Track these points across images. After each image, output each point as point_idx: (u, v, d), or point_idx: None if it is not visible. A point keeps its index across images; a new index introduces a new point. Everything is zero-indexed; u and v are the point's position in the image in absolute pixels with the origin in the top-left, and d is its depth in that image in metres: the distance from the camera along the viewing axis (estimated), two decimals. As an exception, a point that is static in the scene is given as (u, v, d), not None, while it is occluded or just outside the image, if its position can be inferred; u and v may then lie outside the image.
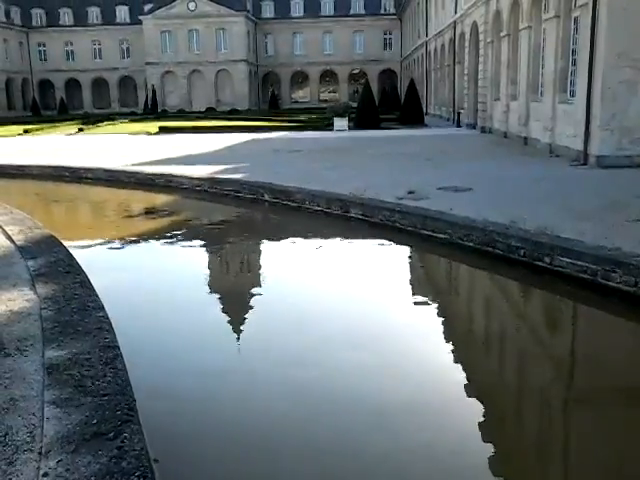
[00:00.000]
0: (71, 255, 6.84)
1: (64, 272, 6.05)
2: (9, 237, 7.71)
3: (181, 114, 55.82)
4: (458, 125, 31.21)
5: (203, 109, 61.92)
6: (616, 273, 6.37)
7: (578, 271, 6.73)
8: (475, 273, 8.15)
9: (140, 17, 66.08)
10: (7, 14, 69.91)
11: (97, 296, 5.40)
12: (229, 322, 6.37)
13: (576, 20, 16.08)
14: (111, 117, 50.47)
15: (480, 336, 6.17)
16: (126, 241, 9.90)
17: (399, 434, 4.10)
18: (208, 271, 8.53)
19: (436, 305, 6.79)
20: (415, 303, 6.87)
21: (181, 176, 14.59)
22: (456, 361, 5.28)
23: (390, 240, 9.35)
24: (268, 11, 71.02)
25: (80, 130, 36.76)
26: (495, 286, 7.70)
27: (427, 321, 6.31)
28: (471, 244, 8.14)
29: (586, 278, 6.64)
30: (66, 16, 72.04)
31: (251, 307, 6.77)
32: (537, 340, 5.96)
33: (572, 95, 16.38)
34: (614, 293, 6.30)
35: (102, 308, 5.03)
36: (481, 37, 26.17)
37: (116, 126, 41.04)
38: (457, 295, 7.66)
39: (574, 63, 16.27)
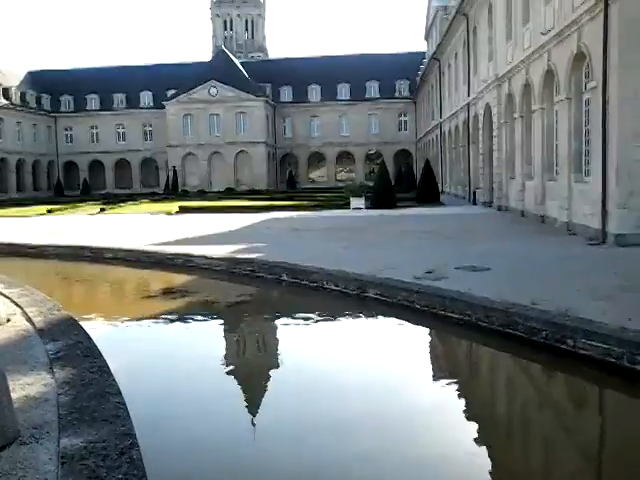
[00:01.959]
0: (90, 338, 6.84)
1: (82, 355, 6.04)
2: (29, 319, 7.76)
3: (201, 194, 57.04)
4: (474, 204, 31.48)
5: (223, 189, 63.26)
6: (642, 356, 6.21)
7: (602, 354, 6.58)
8: (496, 356, 7.99)
9: (163, 102, 68.75)
10: (38, 101, 73.24)
11: (114, 381, 5.35)
12: (247, 406, 6.26)
13: (587, 102, 16.44)
14: (132, 197, 51.67)
15: (502, 422, 5.98)
16: (144, 322, 9.91)
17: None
18: (226, 352, 8.46)
19: (456, 388, 6.63)
20: (434, 386, 6.73)
21: (200, 256, 14.73)
22: (479, 446, 5.11)
23: (408, 321, 9.26)
24: (286, 96, 73.64)
25: (102, 210, 37.57)
26: (517, 370, 7.53)
27: (447, 405, 6.14)
28: (491, 325, 8.02)
29: (611, 361, 6.47)
30: (93, 102, 75.28)
31: (269, 388, 6.68)
32: (562, 427, 5.76)
33: (587, 174, 16.53)
34: (641, 377, 6.12)
35: (119, 393, 4.98)
36: (494, 118, 26.79)
37: (137, 206, 41.94)
38: (477, 379, 7.48)
39: (588, 143, 16.52)
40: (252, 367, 7.68)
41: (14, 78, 71.39)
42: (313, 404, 6.19)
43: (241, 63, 73.80)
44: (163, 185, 68.51)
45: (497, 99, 26.02)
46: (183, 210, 33.78)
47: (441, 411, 6.03)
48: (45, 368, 5.73)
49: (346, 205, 32.78)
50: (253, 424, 5.75)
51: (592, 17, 14.96)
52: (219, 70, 67.77)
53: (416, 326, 9.19)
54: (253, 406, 6.25)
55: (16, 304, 8.79)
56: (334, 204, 34.99)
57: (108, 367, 5.78)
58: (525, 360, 7.55)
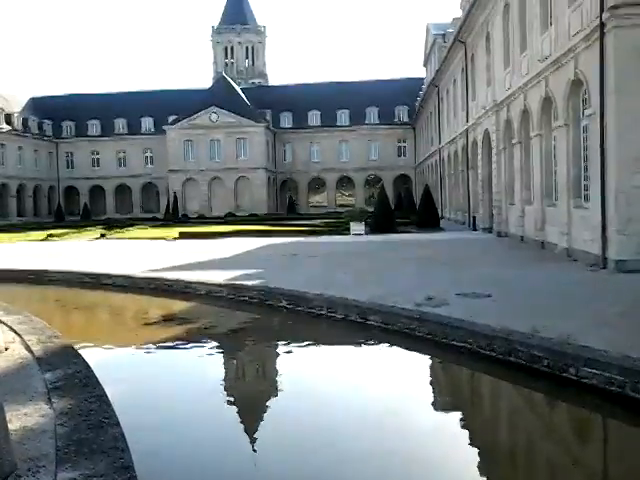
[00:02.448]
0: (88, 366, 6.80)
1: (81, 385, 5.99)
2: (28, 347, 7.72)
3: (201, 219, 57.18)
4: (474, 229, 31.53)
5: (223, 214, 63.41)
6: (645, 385, 6.16)
7: (605, 383, 6.53)
8: (497, 384, 7.93)
9: (164, 127, 69.25)
10: (40, 126, 73.88)
11: (113, 411, 5.30)
12: (247, 435, 6.20)
13: (585, 128, 16.56)
14: (133, 222, 51.75)
15: (504, 451, 5.91)
16: (144, 349, 9.85)
17: None
18: (226, 380, 8.40)
19: (458, 417, 6.57)
20: (435, 415, 6.68)
21: (199, 282, 14.70)
22: (481, 475, 5.05)
23: (409, 348, 9.21)
24: (287, 121, 74.27)
25: (102, 236, 37.61)
26: (519, 398, 7.46)
27: (448, 433, 6.09)
28: (493, 353, 7.98)
29: (614, 390, 6.42)
30: (94, 127, 75.92)
31: (269, 417, 6.62)
32: (564, 457, 5.69)
33: (587, 200, 16.58)
34: (645, 407, 6.07)
35: (117, 424, 4.93)
36: (493, 144, 26.96)
37: (137, 231, 41.99)
38: (479, 407, 7.41)
39: (586, 169, 16.60)
40: (252, 395, 7.62)
41: (17, 104, 72.07)
42: (313, 432, 6.13)
43: (241, 89, 74.53)
44: (163, 210, 68.67)
45: (496, 125, 26.22)
46: (183, 236, 33.83)
47: (442, 440, 5.97)
48: (43, 398, 5.68)
49: (346, 230, 32.84)
50: (254, 450, 5.70)
51: (588, 45, 15.14)
52: (220, 96, 68.42)
53: (417, 353, 9.13)
54: (253, 434, 6.18)
55: (15, 332, 8.75)
56: (334, 229, 35.05)
57: (107, 397, 5.74)
58: (527, 388, 7.49)
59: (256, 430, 6.32)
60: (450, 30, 41.54)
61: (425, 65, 59.06)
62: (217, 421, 6.60)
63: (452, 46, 36.26)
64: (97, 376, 6.45)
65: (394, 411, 6.70)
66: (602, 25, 14.18)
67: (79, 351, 7.85)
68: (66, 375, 6.37)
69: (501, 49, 25.23)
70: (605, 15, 13.96)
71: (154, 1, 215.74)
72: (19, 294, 16.91)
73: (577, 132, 17.17)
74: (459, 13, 37.66)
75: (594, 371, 6.65)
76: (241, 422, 6.67)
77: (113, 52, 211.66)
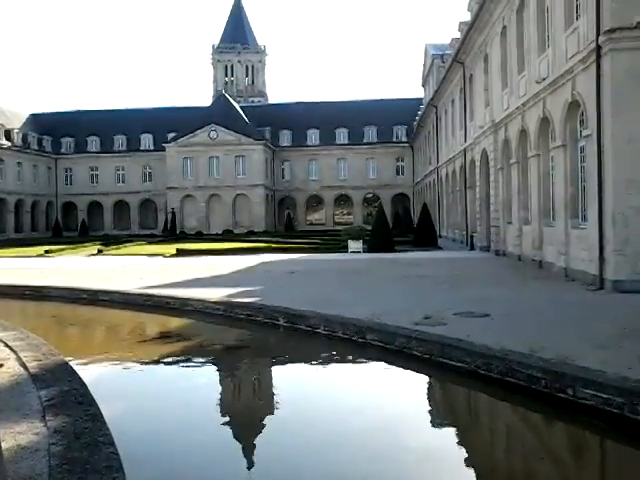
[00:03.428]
0: (84, 384, 6.75)
1: (76, 403, 5.95)
2: (23, 364, 7.67)
3: (199, 236, 57.23)
4: (472, 248, 31.56)
5: (221, 231, 63.51)
6: (643, 407, 6.13)
7: (603, 404, 6.50)
8: (495, 404, 7.88)
9: (164, 144, 69.50)
10: (39, 142, 74.12)
11: (108, 429, 5.26)
12: (244, 454, 6.14)
13: (582, 149, 16.66)
14: (131, 238, 51.73)
15: (500, 472, 5.85)
16: (140, 367, 9.80)
17: None
18: (223, 399, 8.34)
19: (454, 437, 6.53)
20: (432, 435, 6.63)
21: (196, 299, 14.66)
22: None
23: (406, 368, 9.17)
24: (285, 140, 74.64)
25: (100, 251, 37.57)
26: (516, 419, 7.41)
27: (444, 454, 6.04)
28: (490, 373, 7.94)
29: (612, 411, 6.39)
30: (93, 144, 76.18)
31: (266, 435, 6.56)
32: (561, 479, 5.65)
33: (584, 220, 16.62)
34: (643, 429, 6.04)
35: (112, 443, 4.89)
36: (491, 164, 27.09)
37: (135, 247, 41.98)
38: (476, 428, 7.36)
39: (584, 189, 16.67)
40: (248, 415, 7.56)
41: (16, 120, 72.36)
42: (309, 450, 6.09)
43: (241, 107, 74.98)
44: (161, 226, 68.78)
45: (493, 145, 26.37)
46: (181, 252, 33.80)
47: (438, 460, 5.92)
48: (38, 416, 5.64)
49: (344, 248, 32.85)
50: (249, 468, 5.64)
51: (585, 67, 15.29)
52: (219, 114, 68.78)
53: (414, 373, 9.09)
54: (250, 454, 6.13)
55: (10, 348, 8.71)
56: (332, 247, 35.07)
57: (102, 415, 5.69)
58: (524, 409, 7.45)
59: (252, 448, 6.27)
60: (448, 51, 41.98)
61: (423, 85, 59.52)
62: (213, 439, 6.54)
63: (450, 67, 36.57)
64: (92, 394, 6.41)
65: (390, 431, 6.65)
66: (598, 48, 14.33)
67: (75, 368, 7.80)
68: (61, 392, 6.33)
69: (499, 70, 25.46)
70: (601, 39, 14.12)
71: (155, 20, 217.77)
72: (15, 310, 16.85)
73: (574, 153, 17.27)
74: (457, 34, 38.10)
75: (592, 392, 6.63)
76: (236, 440, 6.62)
77: (114, 69, 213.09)
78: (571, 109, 16.95)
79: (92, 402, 6.04)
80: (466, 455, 6.04)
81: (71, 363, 8.15)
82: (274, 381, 9.41)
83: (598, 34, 14.26)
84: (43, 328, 13.28)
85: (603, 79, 14.33)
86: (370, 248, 32.22)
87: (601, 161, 14.57)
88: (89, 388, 6.63)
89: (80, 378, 7.08)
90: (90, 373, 8.61)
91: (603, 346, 8.33)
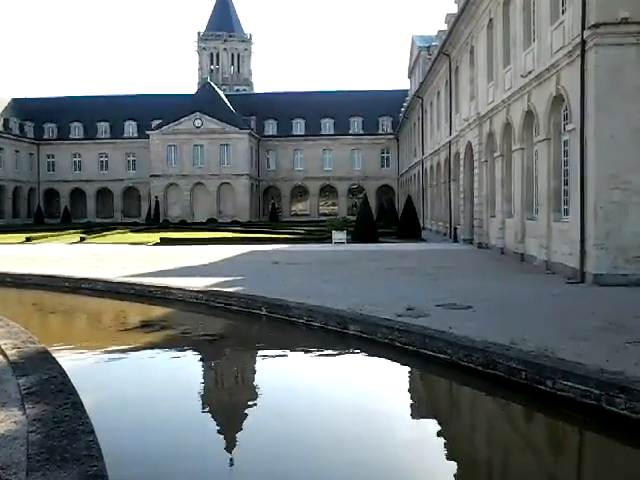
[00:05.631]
0: (64, 372, 6.70)
1: (56, 391, 5.90)
2: (2, 352, 7.59)
3: (183, 225, 56.90)
4: (455, 240, 31.72)
5: (205, 220, 63.22)
6: (620, 399, 6.22)
7: (581, 396, 6.58)
8: (475, 395, 7.95)
9: (148, 132, 68.92)
10: (21, 128, 73.18)
11: (88, 418, 5.23)
12: (226, 443, 6.14)
13: (566, 143, 16.77)
14: (114, 227, 51.34)
15: (479, 463, 5.91)
16: (121, 355, 9.74)
17: None
18: (204, 387, 8.33)
19: (434, 428, 6.58)
20: (412, 425, 6.68)
21: (179, 288, 14.60)
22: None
23: (388, 359, 9.21)
24: (271, 129, 74.39)
25: (82, 239, 37.25)
26: (496, 410, 7.48)
27: (424, 445, 6.09)
28: (471, 365, 8.00)
29: (590, 403, 6.47)
30: (76, 130, 75.37)
31: (248, 425, 6.56)
32: (539, 470, 5.71)
33: (566, 214, 16.77)
34: (620, 420, 6.12)
35: (92, 432, 4.86)
36: (475, 156, 27.20)
37: (118, 236, 41.67)
38: (456, 419, 7.42)
39: (566, 183, 16.80)
40: (230, 403, 7.56)
41: (-2, 105, 71.31)
42: (292, 441, 6.10)
43: (226, 96, 74.47)
44: (145, 215, 68.34)
45: (478, 138, 26.46)
46: (164, 241, 33.61)
47: (418, 450, 5.97)
48: (16, 404, 5.59)
49: (328, 239, 32.86)
50: (231, 463, 5.65)
51: (570, 62, 15.36)
52: (204, 102, 68.32)
53: (396, 364, 9.13)
54: (231, 443, 6.13)
55: (-11, 336, 8.61)
56: (316, 237, 35.08)
57: (82, 403, 5.65)
58: (504, 400, 7.51)
59: (233, 438, 6.27)
60: (435, 43, 41.95)
61: (409, 77, 59.47)
62: (194, 428, 6.53)
63: (436, 59, 36.59)
64: (73, 382, 6.37)
65: (371, 420, 6.69)
66: (583, 43, 14.41)
67: (55, 356, 7.73)
68: (41, 381, 6.27)
69: (485, 63, 25.51)
70: (586, 33, 14.19)
71: (140, 6, 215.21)
72: (-5, 297, 16.66)
73: (558, 147, 17.38)
74: (444, 26, 38.07)
75: (571, 384, 6.70)
76: (218, 431, 6.62)
77: (99, 56, 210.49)
78: (555, 103, 17.04)
79: (72, 390, 6.00)
80: (446, 446, 6.09)
81: (51, 351, 8.08)
82: (256, 371, 9.41)
83: (583, 29, 14.33)
84: (23, 316, 13.16)
85: (587, 74, 14.41)
86: (354, 239, 32.28)
87: (584, 155, 14.68)
88: (69, 376, 6.58)
89: (60, 366, 7.03)
90: (71, 361, 8.55)
91: (583, 338, 8.43)
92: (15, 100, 76.47)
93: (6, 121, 70.43)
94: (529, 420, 7.12)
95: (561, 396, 6.77)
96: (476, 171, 27.25)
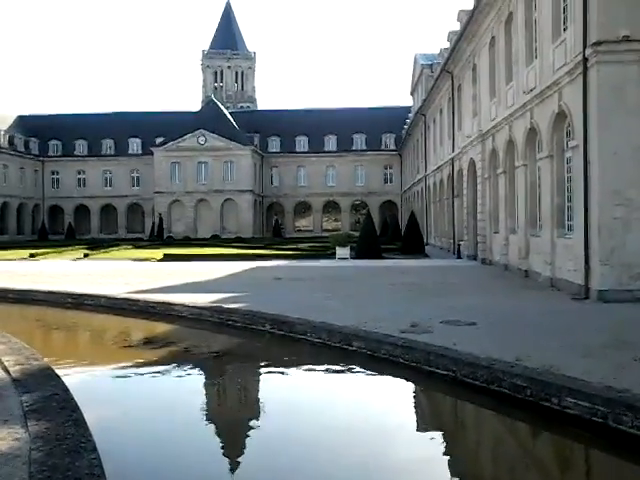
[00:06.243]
0: (67, 389, 6.67)
1: (58, 408, 5.87)
2: (5, 368, 7.57)
3: (186, 241, 56.97)
4: (459, 256, 31.65)
5: (208, 236, 63.31)
6: (627, 417, 6.16)
7: (588, 413, 6.52)
8: (480, 413, 7.88)
9: (152, 149, 69.27)
10: (26, 145, 73.61)
11: (90, 435, 5.20)
12: (229, 461, 6.09)
13: (569, 159, 16.79)
14: (117, 243, 51.41)
15: (489, 483, 5.86)
16: (124, 372, 9.71)
17: None
18: (206, 404, 8.28)
19: (439, 447, 6.52)
20: (417, 444, 6.61)
21: (182, 305, 14.58)
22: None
23: (393, 375, 9.16)
24: (274, 146, 74.72)
25: (86, 255, 37.30)
26: (501, 428, 7.42)
27: (429, 463, 6.03)
28: (476, 382, 7.95)
29: (597, 421, 6.41)
30: (81, 147, 75.80)
31: (252, 443, 6.51)
32: (549, 489, 5.65)
33: (570, 230, 16.74)
34: (628, 438, 6.06)
35: (94, 450, 4.83)
36: (479, 173, 27.23)
37: (122, 252, 41.71)
38: (461, 437, 7.35)
39: (570, 199, 16.79)
40: (234, 421, 7.51)
41: (3, 122, 71.82)
42: (295, 458, 6.05)
43: (230, 113, 74.94)
44: (149, 231, 68.45)
45: (481, 154, 26.51)
46: (168, 257, 33.63)
47: (423, 468, 5.91)
48: (19, 421, 5.56)
49: (332, 255, 32.84)
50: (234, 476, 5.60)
51: (572, 79, 15.43)
52: (208, 119, 68.71)
53: (400, 380, 9.07)
54: (234, 461, 6.08)
55: (-8, 352, 8.59)
56: (320, 253, 35.06)
57: (84, 421, 5.63)
58: (510, 418, 7.45)
59: (237, 455, 6.22)
60: (437, 61, 42.26)
61: (412, 94, 59.83)
62: (198, 446, 6.49)
63: (439, 76, 36.79)
64: (75, 399, 6.34)
65: (376, 438, 6.63)
66: (585, 60, 14.48)
67: (58, 373, 7.71)
68: (43, 398, 6.25)
69: (487, 80, 25.63)
70: (588, 51, 14.26)
71: (146, 25, 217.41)
72: (-2, 313, 16.65)
73: (561, 163, 17.40)
74: (447, 44, 38.35)
75: (577, 401, 6.65)
76: (221, 447, 6.57)
77: (104, 73, 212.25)
78: (558, 120, 17.09)
79: (75, 407, 5.97)
80: (451, 464, 6.03)
81: (54, 368, 8.06)
82: (259, 388, 9.36)
83: (585, 46, 14.41)
84: (26, 332, 13.14)
85: (589, 91, 14.46)
86: (357, 255, 32.24)
87: (587, 172, 14.69)
88: (72, 393, 6.56)
89: (63, 383, 7.01)
90: (73, 378, 8.52)
91: (588, 355, 8.37)
92: (20, 117, 77.04)
93: (11, 138, 70.87)
94: (535, 438, 7.05)
95: (567, 414, 6.71)
96: (479, 187, 27.27)
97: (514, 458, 6.50)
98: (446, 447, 6.52)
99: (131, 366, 10.02)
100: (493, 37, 24.47)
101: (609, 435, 6.22)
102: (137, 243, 53.12)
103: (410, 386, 9.05)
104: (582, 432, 6.48)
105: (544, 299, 14.93)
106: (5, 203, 68.50)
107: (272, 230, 69.52)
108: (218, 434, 7.01)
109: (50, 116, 79.14)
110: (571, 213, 16.68)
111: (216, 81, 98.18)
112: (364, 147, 73.89)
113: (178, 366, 10.12)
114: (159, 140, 70.26)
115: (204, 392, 9.08)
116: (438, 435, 7.01)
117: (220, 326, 13.25)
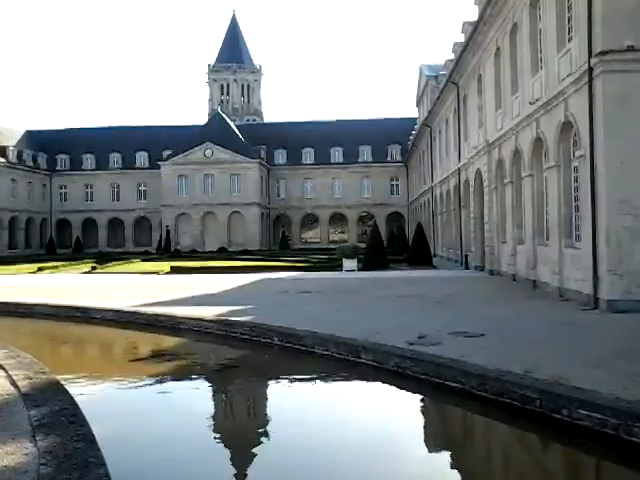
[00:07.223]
0: (75, 404, 6.68)
1: (67, 423, 5.87)
2: (14, 383, 7.59)
3: (193, 254, 57.12)
4: (466, 267, 31.57)
5: (215, 249, 63.42)
6: (639, 428, 6.10)
7: (598, 425, 6.46)
8: (490, 424, 7.83)
9: (159, 162, 69.62)
10: (34, 159, 74.10)
11: (99, 450, 5.19)
12: (237, 473, 6.06)
13: (576, 169, 16.75)
14: (125, 256, 51.58)
15: (500, 497, 5.81)
16: (132, 386, 9.71)
17: None
18: (216, 419, 8.26)
19: (449, 459, 6.48)
20: (427, 456, 6.57)
21: (189, 318, 14.59)
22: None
23: (401, 388, 9.12)
24: (281, 158, 74.93)
25: (93, 269, 37.43)
26: (511, 439, 7.36)
27: (440, 476, 5.98)
28: (485, 394, 7.90)
29: (608, 432, 6.35)
30: (88, 161, 76.26)
31: (260, 457, 6.48)
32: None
33: (578, 240, 16.67)
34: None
35: (103, 464, 4.82)
36: (485, 183, 27.20)
37: (129, 265, 41.83)
38: (471, 449, 7.30)
39: (577, 209, 16.74)
40: (243, 435, 7.49)
41: (12, 137, 72.40)
42: (304, 472, 6.02)
43: (236, 126, 75.25)
44: (156, 244, 68.63)
45: (487, 165, 26.50)
46: (175, 270, 33.71)
47: (435, 484, 5.87)
48: (27, 436, 5.56)
49: (339, 267, 32.81)
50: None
51: (578, 89, 15.43)
52: (215, 132, 69.03)
53: (409, 392, 9.04)
54: (241, 473, 6.05)
55: (1, 367, 8.62)
56: (326, 265, 35.05)
57: (93, 435, 5.62)
58: (520, 429, 7.40)
59: (245, 469, 6.20)
60: (442, 72, 42.33)
61: (418, 105, 59.94)
62: (205, 460, 6.47)
63: (444, 87, 36.87)
64: (84, 413, 6.34)
65: (385, 451, 6.59)
66: (590, 70, 14.48)
67: (66, 387, 7.72)
68: (52, 412, 6.25)
69: (493, 91, 25.67)
70: (593, 60, 14.28)
71: (152, 39, 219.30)
72: (6, 328, 16.69)
73: (568, 173, 17.36)
74: (451, 55, 38.47)
75: (587, 413, 6.59)
76: (230, 461, 6.55)
77: (110, 87, 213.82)
78: (564, 130, 17.07)
79: (83, 422, 5.97)
80: (461, 476, 5.99)
81: (63, 382, 8.07)
82: (268, 401, 9.34)
83: (590, 56, 14.42)
84: (35, 346, 13.17)
85: (595, 101, 14.46)
86: (365, 266, 32.20)
87: (594, 181, 14.65)
88: (80, 408, 6.56)
89: (71, 397, 7.01)
90: (82, 392, 8.52)
91: (598, 366, 8.31)
92: (29, 132, 77.62)
93: (20, 153, 71.36)
94: (546, 449, 6.99)
95: (577, 425, 6.66)
96: (486, 198, 27.23)
97: (525, 470, 6.44)
98: (456, 459, 6.47)
99: (139, 380, 10.02)
100: (498, 48, 24.53)
101: (621, 447, 6.16)
102: (144, 256, 53.29)
103: (418, 398, 9.00)
104: (593, 444, 6.42)
105: (553, 310, 14.85)
106: (13, 217, 68.87)
107: (279, 242, 69.53)
108: (227, 447, 6.99)
109: (58, 131, 79.71)
110: (578, 223, 16.62)
111: (222, 94, 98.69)
112: (370, 159, 73.98)
113: (186, 380, 10.11)
114: (166, 153, 70.61)
115: (213, 406, 9.06)
116: (448, 447, 6.97)
117: (228, 339, 13.24)
